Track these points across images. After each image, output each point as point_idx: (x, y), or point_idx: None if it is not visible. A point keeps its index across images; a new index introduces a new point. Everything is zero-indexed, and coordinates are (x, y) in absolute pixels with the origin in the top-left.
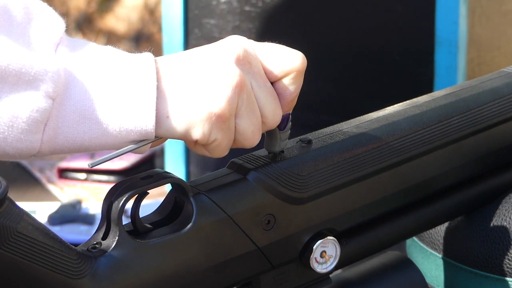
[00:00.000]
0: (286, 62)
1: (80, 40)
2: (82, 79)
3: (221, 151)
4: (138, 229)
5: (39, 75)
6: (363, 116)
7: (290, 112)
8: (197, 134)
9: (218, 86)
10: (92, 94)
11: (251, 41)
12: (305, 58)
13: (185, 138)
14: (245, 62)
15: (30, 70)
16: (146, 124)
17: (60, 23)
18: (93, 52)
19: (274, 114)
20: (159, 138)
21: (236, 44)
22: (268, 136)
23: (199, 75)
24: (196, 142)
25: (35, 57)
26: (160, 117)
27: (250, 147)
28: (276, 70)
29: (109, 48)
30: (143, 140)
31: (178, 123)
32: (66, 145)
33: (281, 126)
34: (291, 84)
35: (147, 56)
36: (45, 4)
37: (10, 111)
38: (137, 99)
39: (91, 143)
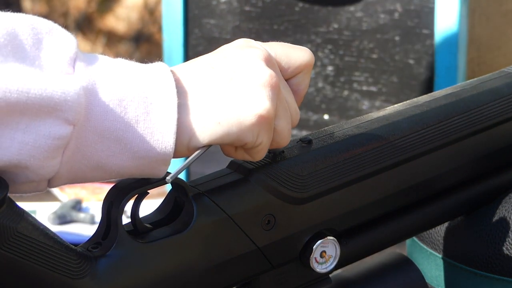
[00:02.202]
0: (297, 59)
1: (92, 54)
2: (103, 96)
3: (263, 153)
4: (138, 229)
5: (59, 105)
6: (363, 116)
7: None
8: (248, 138)
9: (259, 89)
10: (112, 114)
11: (259, 42)
12: (312, 53)
13: (235, 143)
14: (272, 64)
15: (49, 102)
16: (165, 145)
17: (71, 38)
18: (109, 66)
19: (296, 112)
20: (209, 146)
21: (258, 47)
22: None
23: (238, 79)
24: (238, 147)
25: (53, 84)
26: (211, 124)
27: (284, 146)
28: (290, 68)
29: (123, 60)
30: (204, 147)
31: (230, 128)
32: (84, 163)
33: None
34: (303, 81)
35: (161, 66)
36: (51, 22)
37: (31, 142)
38: (156, 120)
39: (108, 161)
